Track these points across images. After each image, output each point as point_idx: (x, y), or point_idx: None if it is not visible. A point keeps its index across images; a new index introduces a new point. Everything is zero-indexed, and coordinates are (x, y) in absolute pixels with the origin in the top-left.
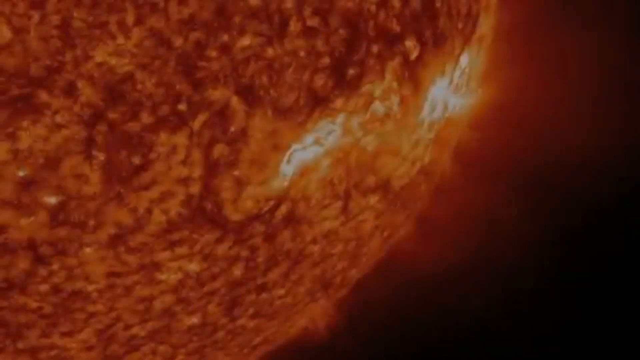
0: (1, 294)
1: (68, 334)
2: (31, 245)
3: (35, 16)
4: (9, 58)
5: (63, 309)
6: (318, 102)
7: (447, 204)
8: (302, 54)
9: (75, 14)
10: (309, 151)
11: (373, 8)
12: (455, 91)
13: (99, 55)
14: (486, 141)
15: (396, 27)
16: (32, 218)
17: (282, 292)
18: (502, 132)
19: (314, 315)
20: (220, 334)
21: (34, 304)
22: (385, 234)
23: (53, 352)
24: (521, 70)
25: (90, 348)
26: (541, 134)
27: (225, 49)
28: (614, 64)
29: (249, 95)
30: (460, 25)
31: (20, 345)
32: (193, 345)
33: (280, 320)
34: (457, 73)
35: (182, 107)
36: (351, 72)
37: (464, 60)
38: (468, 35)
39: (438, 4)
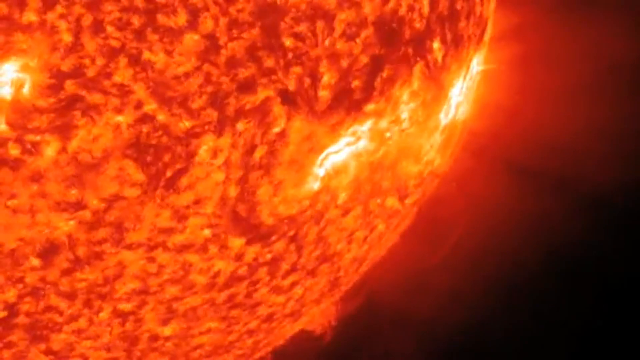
0: (35, 294)
1: (93, 335)
2: (73, 245)
3: (91, 18)
4: (65, 60)
5: (92, 309)
6: (352, 106)
7: (450, 205)
8: (340, 57)
9: (130, 17)
10: (340, 154)
11: (404, 11)
12: (465, 94)
13: (151, 57)
14: (491, 143)
15: (424, 31)
16: (76, 218)
17: (299, 293)
18: (506, 134)
19: (315, 314)
20: (235, 335)
21: (63, 304)
22: (392, 235)
23: (77, 352)
24: (523, 72)
25: (112, 348)
26: (544, 136)
27: (269, 51)
28: (618, 63)
29: (289, 98)
30: (473, 29)
31: (44, 346)
32: (210, 346)
33: (290, 321)
34: (468, 76)
35: (228, 110)
36: (383, 76)
37: (474, 63)
38: (479, 38)
39: (459, 7)
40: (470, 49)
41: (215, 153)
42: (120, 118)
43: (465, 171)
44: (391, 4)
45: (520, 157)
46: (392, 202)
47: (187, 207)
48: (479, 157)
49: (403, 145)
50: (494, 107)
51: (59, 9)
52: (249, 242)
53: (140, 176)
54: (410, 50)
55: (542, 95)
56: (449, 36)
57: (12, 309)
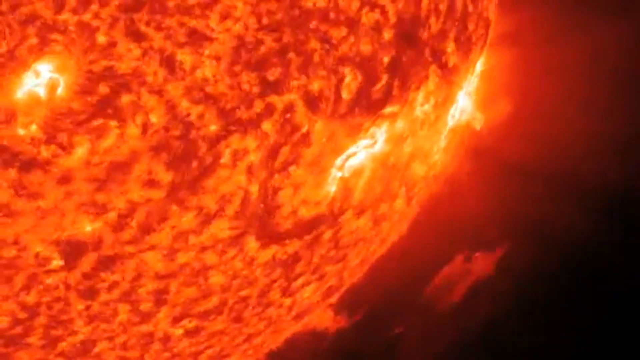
0: (56, 296)
1: (110, 336)
2: (97, 246)
3: (125, 20)
4: (99, 61)
5: (111, 310)
6: (372, 107)
7: (451, 207)
8: (362, 59)
9: (162, 19)
10: (358, 156)
11: (423, 14)
12: (469, 96)
13: (183, 59)
14: (492, 145)
15: (440, 34)
16: (102, 219)
17: (307, 294)
18: (507, 135)
19: (315, 314)
20: (244, 337)
21: (81, 305)
22: (393, 236)
23: (93, 353)
24: (523, 74)
25: (128, 349)
26: (545, 137)
27: (296, 54)
28: (618, 64)
29: (313, 99)
30: (480, 32)
31: (60, 346)
32: (218, 346)
33: (294, 322)
34: (472, 78)
35: (254, 111)
36: (402, 78)
37: (477, 65)
38: (484, 41)
39: (470, 10)
40: (476, 51)
41: (240, 154)
42: (151, 119)
43: (466, 172)
44: (412, 8)
45: (522, 159)
46: (400, 203)
47: (210, 208)
48: (480, 159)
49: (415, 147)
50: (494, 109)
51: (93, 11)
52: (267, 244)
53: (167, 177)
54: (427, 53)
55: (542, 97)
56: (461, 39)
57: (32, 310)
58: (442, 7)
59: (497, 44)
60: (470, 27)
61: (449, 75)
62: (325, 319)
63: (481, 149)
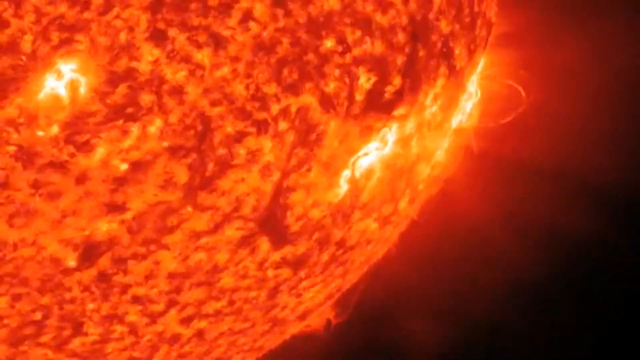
0: (70, 296)
1: (120, 337)
2: (113, 247)
3: (146, 20)
4: (120, 61)
5: (122, 311)
6: (384, 109)
7: (452, 207)
8: (375, 60)
9: (182, 19)
10: (368, 157)
11: (433, 16)
12: (471, 97)
13: (202, 59)
14: (494, 146)
15: (450, 35)
16: (119, 220)
17: (311, 295)
18: (509, 136)
19: (315, 315)
20: (249, 337)
21: (93, 305)
22: (395, 237)
23: (102, 353)
24: (525, 77)
25: (137, 350)
26: (547, 137)
27: (312, 54)
28: (621, 64)
29: (328, 100)
30: (484, 33)
31: (70, 347)
32: (224, 346)
33: (297, 322)
34: (475, 79)
35: (271, 112)
36: (413, 79)
37: (479, 66)
38: (487, 42)
39: (477, 10)
40: (479, 52)
41: (256, 155)
42: (170, 119)
43: (467, 173)
44: (423, 9)
45: (522, 159)
46: (404, 204)
47: (225, 209)
48: (481, 159)
49: (421, 148)
50: (495, 110)
51: (116, 10)
52: (279, 244)
53: (184, 178)
54: (437, 54)
55: (543, 97)
56: (467, 40)
57: (45, 311)
58: (452, 8)
59: (498, 44)
60: (476, 28)
61: (456, 76)
62: (324, 319)
63: (482, 149)
